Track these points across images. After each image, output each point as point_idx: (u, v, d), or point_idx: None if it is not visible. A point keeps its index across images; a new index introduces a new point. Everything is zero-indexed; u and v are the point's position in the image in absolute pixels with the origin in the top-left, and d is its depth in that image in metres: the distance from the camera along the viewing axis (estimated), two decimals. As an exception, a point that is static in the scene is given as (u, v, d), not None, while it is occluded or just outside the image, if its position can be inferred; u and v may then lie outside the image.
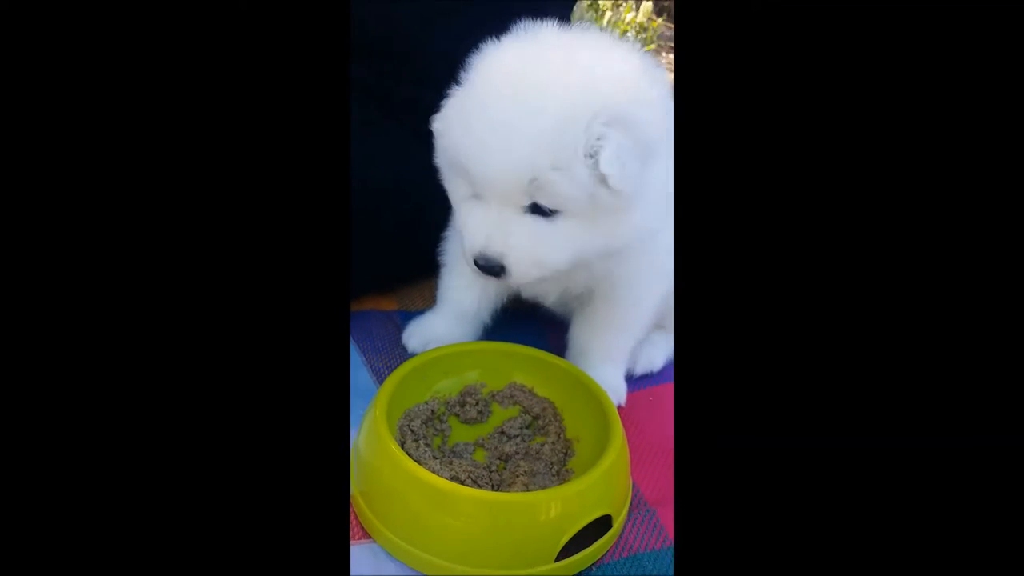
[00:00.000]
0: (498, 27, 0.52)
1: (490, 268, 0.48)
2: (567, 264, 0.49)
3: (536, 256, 0.48)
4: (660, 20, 2.68)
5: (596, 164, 0.45)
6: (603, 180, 0.45)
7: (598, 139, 0.45)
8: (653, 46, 2.53)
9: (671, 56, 2.40)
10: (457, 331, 0.65)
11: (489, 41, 0.52)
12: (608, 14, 2.45)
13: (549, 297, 0.63)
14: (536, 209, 0.47)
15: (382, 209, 0.67)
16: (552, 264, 0.49)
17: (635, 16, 2.50)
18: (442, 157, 0.52)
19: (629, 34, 2.51)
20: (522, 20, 0.52)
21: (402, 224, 0.69)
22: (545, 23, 0.51)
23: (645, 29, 2.54)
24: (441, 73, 0.53)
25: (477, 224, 0.49)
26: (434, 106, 0.52)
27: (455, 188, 0.52)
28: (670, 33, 2.54)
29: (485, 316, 0.65)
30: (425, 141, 0.54)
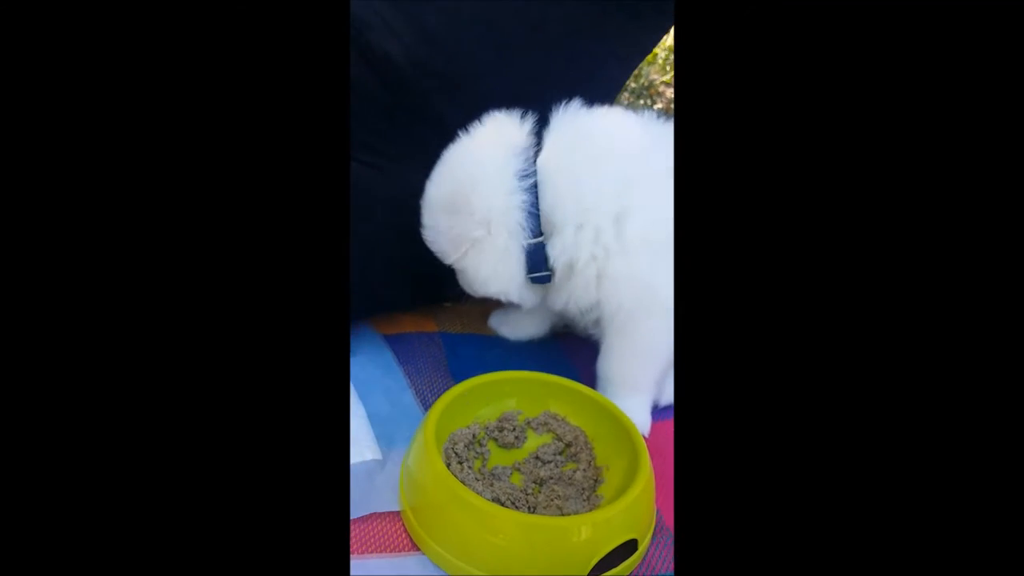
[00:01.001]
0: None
1: None
2: (479, 293, 0.71)
3: (464, 282, 0.71)
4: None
5: None
6: (436, 253, 0.71)
7: (434, 223, 0.69)
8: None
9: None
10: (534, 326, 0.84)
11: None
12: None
13: (576, 321, 0.75)
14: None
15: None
16: (471, 290, 0.71)
17: (665, 39, 2.54)
18: None
19: (659, 56, 2.55)
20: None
21: None
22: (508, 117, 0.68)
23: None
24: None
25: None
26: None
27: None
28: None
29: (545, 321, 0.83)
30: None
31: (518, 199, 0.65)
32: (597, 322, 0.71)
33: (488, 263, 0.67)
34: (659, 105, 2.27)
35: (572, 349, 0.81)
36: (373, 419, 0.67)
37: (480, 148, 0.67)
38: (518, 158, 0.65)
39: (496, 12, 0.76)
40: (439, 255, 0.69)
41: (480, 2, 0.76)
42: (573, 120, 0.67)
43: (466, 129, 0.68)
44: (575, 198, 0.64)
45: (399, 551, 0.55)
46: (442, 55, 0.76)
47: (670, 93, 2.41)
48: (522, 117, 0.67)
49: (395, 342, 0.78)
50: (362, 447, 0.64)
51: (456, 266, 0.69)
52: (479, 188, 0.65)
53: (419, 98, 0.77)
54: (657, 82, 2.48)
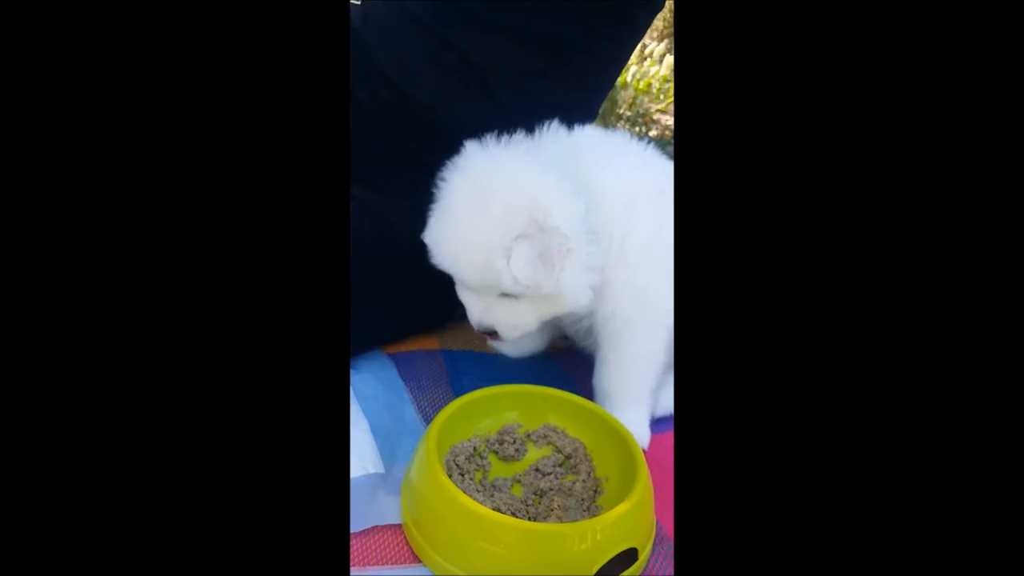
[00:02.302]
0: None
1: (488, 332, 0.67)
2: (536, 325, 0.67)
3: (513, 324, 0.66)
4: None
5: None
6: (517, 281, 0.61)
7: (508, 255, 0.60)
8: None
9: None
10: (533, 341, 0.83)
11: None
12: (633, 68, 2.55)
13: (570, 332, 0.77)
14: (505, 294, 0.64)
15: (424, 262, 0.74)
16: (525, 327, 0.66)
17: (659, 70, 2.60)
18: (433, 262, 0.68)
19: (654, 86, 2.61)
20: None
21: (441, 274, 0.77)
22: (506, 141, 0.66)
23: (668, 81, 2.63)
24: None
25: (472, 306, 0.66)
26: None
27: (454, 279, 0.68)
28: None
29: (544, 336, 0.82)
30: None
31: (580, 207, 0.63)
32: (589, 331, 0.72)
33: (581, 274, 0.63)
34: (653, 132, 2.31)
35: (571, 364, 0.82)
36: (376, 434, 0.68)
37: (517, 168, 0.63)
38: (559, 170, 0.64)
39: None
40: (531, 287, 0.61)
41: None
42: (563, 140, 0.69)
43: (443, 164, 0.66)
44: (595, 208, 0.65)
45: (401, 563, 0.55)
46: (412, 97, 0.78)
47: (665, 120, 2.46)
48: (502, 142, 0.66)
49: (398, 359, 0.79)
50: (365, 461, 0.65)
51: (552, 290, 0.63)
52: (551, 201, 0.61)
53: (392, 135, 0.79)
54: (652, 110, 2.53)
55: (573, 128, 0.70)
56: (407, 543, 0.57)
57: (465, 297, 0.67)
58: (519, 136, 0.66)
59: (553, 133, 0.68)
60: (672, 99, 2.59)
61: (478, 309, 0.65)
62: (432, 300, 0.75)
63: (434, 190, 0.65)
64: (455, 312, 0.70)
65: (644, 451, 0.69)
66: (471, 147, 0.66)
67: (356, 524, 0.57)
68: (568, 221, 0.61)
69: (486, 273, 0.61)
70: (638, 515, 0.57)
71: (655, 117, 2.44)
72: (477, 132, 0.67)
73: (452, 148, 0.67)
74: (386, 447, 0.67)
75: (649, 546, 0.58)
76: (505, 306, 0.65)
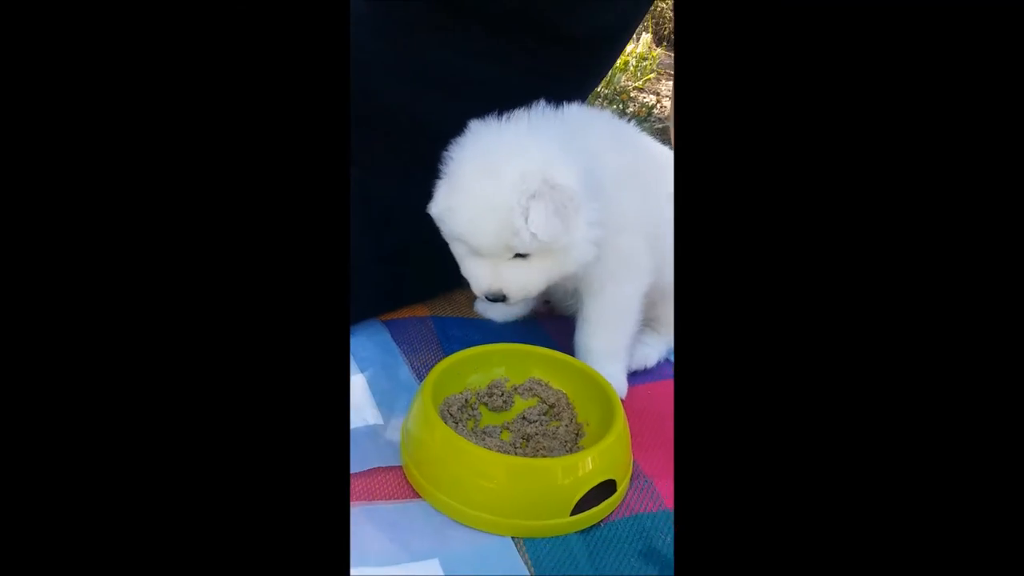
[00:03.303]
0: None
1: (495, 298, 0.70)
2: (545, 286, 0.71)
3: (522, 286, 0.70)
4: (660, 49, 2.82)
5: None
6: (536, 236, 0.65)
7: (525, 213, 0.65)
8: (652, 75, 2.66)
9: (671, 83, 2.53)
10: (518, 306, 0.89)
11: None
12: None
13: (555, 295, 0.82)
14: (517, 255, 0.68)
15: (417, 237, 0.78)
16: (534, 288, 0.70)
17: (635, 47, 2.64)
18: (444, 232, 0.71)
19: (631, 64, 2.64)
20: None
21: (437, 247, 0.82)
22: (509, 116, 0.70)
23: (645, 58, 2.67)
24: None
25: (481, 273, 0.70)
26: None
27: (457, 249, 0.72)
28: (669, 61, 2.68)
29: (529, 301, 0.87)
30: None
31: (581, 170, 0.68)
32: (574, 292, 0.78)
33: (587, 229, 0.68)
34: (630, 109, 2.35)
35: (553, 327, 0.87)
36: (373, 391, 0.74)
37: (524, 139, 0.68)
38: (560, 140, 0.69)
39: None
40: (548, 241, 0.65)
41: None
42: (556, 115, 0.73)
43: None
44: (590, 173, 0.70)
45: (402, 498, 0.61)
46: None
47: (642, 98, 2.50)
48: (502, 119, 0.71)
49: (391, 325, 0.84)
50: (364, 414, 0.70)
51: (565, 244, 0.67)
52: (558, 163, 0.66)
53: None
54: (629, 88, 2.57)
55: (562, 105, 0.74)
56: (407, 481, 0.63)
57: (472, 266, 0.70)
58: (518, 112, 0.71)
59: (545, 110, 0.73)
60: (649, 76, 2.64)
61: (488, 274, 0.69)
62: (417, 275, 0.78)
63: (440, 166, 0.70)
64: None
65: (622, 400, 0.75)
66: (475, 125, 0.70)
67: (357, 465, 0.63)
68: (573, 180, 0.66)
69: (505, 234, 0.65)
70: (616, 451, 0.63)
71: (632, 95, 2.48)
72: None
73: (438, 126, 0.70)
74: (384, 402, 0.72)
75: (627, 480, 0.65)
76: (515, 268, 0.68)
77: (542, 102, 0.73)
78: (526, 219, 0.65)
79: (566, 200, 0.65)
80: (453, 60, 0.81)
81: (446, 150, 0.70)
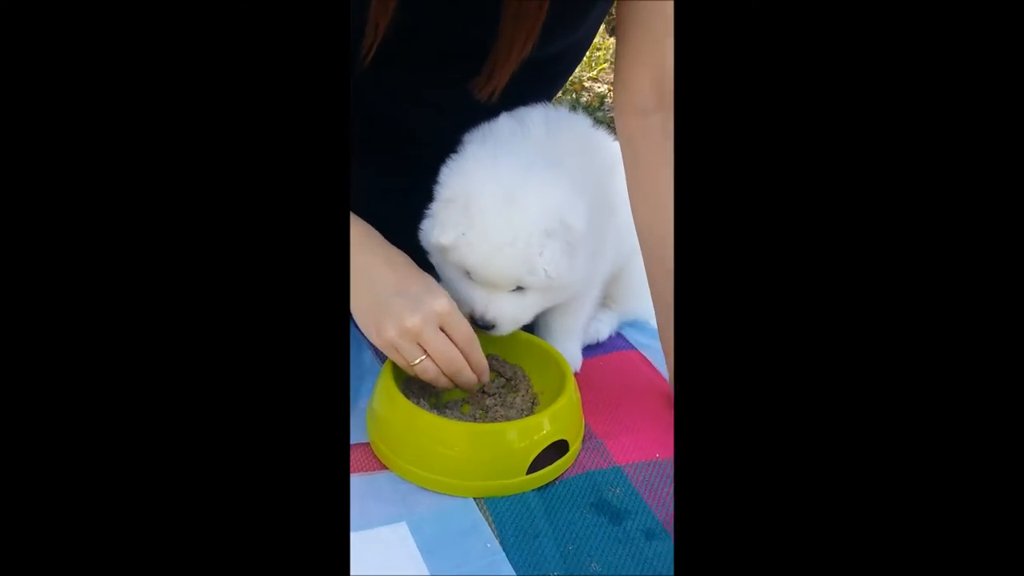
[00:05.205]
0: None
1: (484, 327, 0.71)
2: (532, 318, 0.73)
3: (515, 319, 0.72)
4: (612, 40, 2.88)
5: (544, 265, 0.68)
6: (547, 274, 0.67)
7: (541, 250, 0.67)
8: (605, 65, 2.71)
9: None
10: None
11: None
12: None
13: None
14: (519, 288, 0.70)
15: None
16: (524, 320, 0.73)
17: (588, 39, 2.67)
18: (448, 259, 0.70)
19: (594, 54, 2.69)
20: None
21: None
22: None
23: (598, 49, 2.72)
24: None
25: (476, 298, 0.70)
26: None
27: (449, 271, 0.72)
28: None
29: None
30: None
31: (588, 204, 0.70)
32: None
33: (584, 264, 0.71)
34: (584, 99, 2.41)
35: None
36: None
37: (540, 173, 0.68)
38: (570, 173, 0.70)
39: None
40: (556, 279, 0.68)
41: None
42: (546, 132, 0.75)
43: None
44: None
45: (371, 470, 0.66)
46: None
47: (596, 88, 2.56)
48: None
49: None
50: (332, 397, 0.74)
51: (569, 281, 0.70)
52: (572, 200, 0.68)
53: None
54: (584, 78, 2.62)
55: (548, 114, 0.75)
56: (374, 456, 0.67)
57: (467, 290, 0.70)
58: (504, 121, 0.72)
59: (538, 124, 0.73)
60: (603, 66, 2.69)
61: (482, 302, 0.69)
62: None
63: (434, 186, 0.69)
64: None
65: (576, 372, 0.80)
66: (471, 148, 0.70)
67: (329, 446, 0.67)
68: (583, 221, 0.68)
69: (521, 270, 0.66)
70: (567, 414, 0.68)
71: (586, 84, 2.54)
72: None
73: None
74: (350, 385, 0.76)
75: (579, 441, 0.70)
76: (511, 300, 0.69)
77: (533, 113, 0.74)
78: (541, 255, 0.66)
79: (575, 241, 0.67)
80: (433, 88, 0.79)
81: (444, 164, 0.70)
